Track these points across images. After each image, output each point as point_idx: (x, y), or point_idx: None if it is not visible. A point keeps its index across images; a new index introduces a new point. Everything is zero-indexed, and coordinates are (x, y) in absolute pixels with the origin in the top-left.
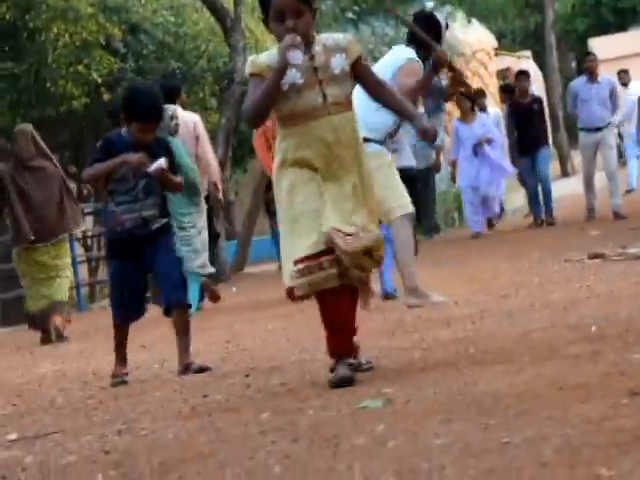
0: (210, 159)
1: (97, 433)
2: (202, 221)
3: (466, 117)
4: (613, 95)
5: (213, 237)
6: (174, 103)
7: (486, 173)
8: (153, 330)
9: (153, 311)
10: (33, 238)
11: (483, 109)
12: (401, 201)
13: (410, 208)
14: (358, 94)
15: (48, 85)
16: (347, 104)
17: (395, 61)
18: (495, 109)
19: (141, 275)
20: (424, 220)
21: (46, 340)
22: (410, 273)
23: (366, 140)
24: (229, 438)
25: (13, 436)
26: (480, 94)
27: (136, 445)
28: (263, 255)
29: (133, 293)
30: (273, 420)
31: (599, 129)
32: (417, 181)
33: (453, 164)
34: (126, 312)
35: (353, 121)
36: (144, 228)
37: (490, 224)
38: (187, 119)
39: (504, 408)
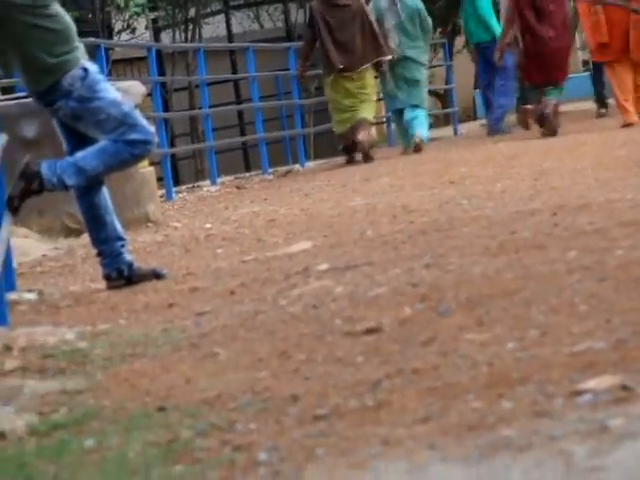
0: None
1: (405, 266)
2: None
3: None
4: None
5: None
6: None
7: None
8: (459, 168)
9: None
10: (342, 67)
11: None
12: None
13: None
14: None
15: None
16: None
17: None
18: None
19: None
20: None
21: (351, 161)
22: None
23: None
24: (535, 275)
25: (324, 266)
26: None
27: (443, 279)
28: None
29: None
30: (580, 259)
31: None
32: None
33: None
34: None
35: None
36: None
37: None
38: None
39: None
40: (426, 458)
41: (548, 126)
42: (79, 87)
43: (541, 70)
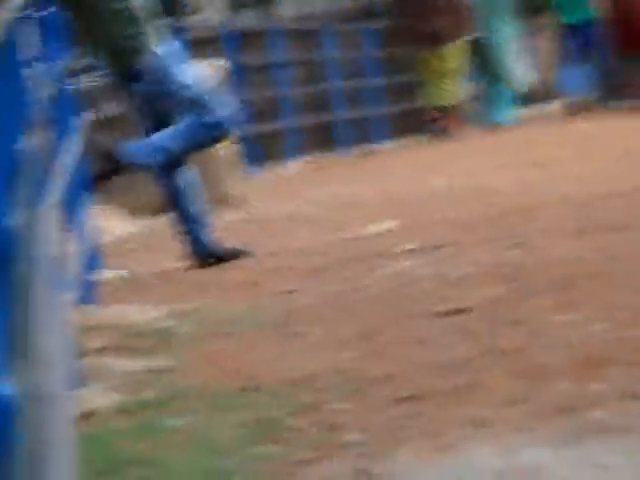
0: None
1: (489, 248)
2: None
3: None
4: None
5: None
6: None
7: None
8: (541, 148)
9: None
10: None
11: None
12: None
13: None
14: None
15: None
16: None
17: None
18: None
19: None
20: None
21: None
22: None
23: None
24: (620, 257)
25: (407, 247)
26: None
27: (528, 261)
28: None
29: None
30: None
31: None
32: None
33: None
34: None
35: None
36: None
37: None
38: None
39: None
40: (515, 441)
41: None
42: (152, 70)
43: None
